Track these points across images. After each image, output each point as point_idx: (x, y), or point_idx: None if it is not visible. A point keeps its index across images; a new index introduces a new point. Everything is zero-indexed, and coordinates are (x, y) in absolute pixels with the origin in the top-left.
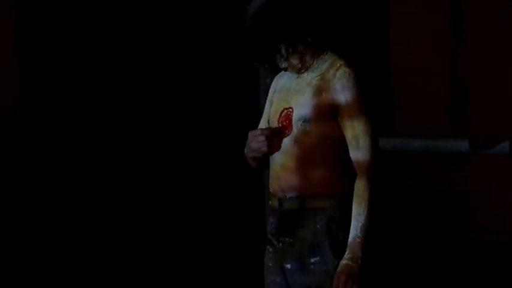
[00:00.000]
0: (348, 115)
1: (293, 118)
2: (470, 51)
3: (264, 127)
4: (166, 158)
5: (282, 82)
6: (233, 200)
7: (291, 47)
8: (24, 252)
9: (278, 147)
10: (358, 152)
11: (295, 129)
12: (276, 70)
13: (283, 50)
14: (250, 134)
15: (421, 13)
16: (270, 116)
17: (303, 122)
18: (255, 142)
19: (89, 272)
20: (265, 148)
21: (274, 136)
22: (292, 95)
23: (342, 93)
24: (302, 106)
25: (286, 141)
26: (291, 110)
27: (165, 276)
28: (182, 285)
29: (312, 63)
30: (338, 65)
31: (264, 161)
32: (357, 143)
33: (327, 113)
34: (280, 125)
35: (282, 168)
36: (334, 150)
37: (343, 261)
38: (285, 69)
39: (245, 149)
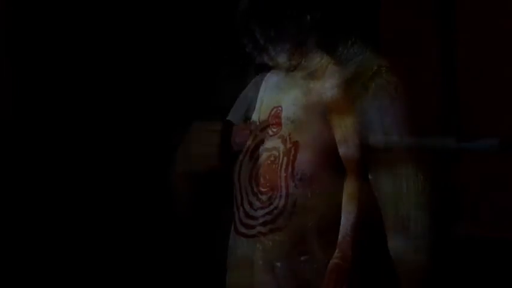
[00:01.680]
0: (337, 113)
1: (282, 116)
2: (461, 50)
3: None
4: (156, 157)
5: (272, 81)
6: (225, 196)
7: (279, 44)
8: (17, 254)
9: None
10: (348, 149)
11: (284, 128)
12: (264, 68)
13: (271, 48)
14: (236, 128)
15: (412, 12)
16: (260, 115)
17: (292, 120)
18: (240, 136)
19: (78, 274)
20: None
21: (260, 131)
22: (281, 93)
23: (331, 91)
24: (291, 104)
25: (276, 140)
26: (280, 108)
27: (158, 272)
28: (177, 281)
29: (301, 62)
30: (327, 63)
31: None
32: (346, 141)
33: (317, 111)
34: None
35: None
36: (324, 148)
37: (334, 260)
38: (274, 67)
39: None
